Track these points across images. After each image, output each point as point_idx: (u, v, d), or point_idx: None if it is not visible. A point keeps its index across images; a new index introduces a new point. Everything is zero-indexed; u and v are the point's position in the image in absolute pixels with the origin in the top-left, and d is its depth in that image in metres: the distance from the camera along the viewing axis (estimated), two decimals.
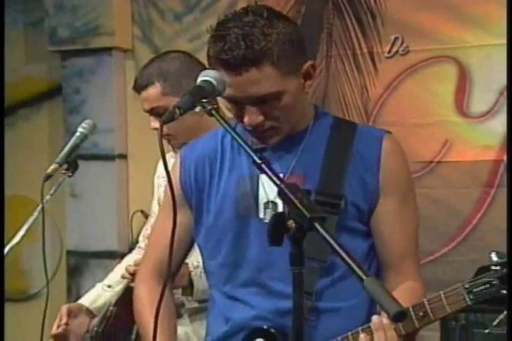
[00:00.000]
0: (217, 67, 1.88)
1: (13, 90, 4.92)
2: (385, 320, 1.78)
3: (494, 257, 1.76)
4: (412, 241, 2.06)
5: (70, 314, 2.76)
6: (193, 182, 2.08)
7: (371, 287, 1.46)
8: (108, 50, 4.62)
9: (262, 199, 1.99)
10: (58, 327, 2.73)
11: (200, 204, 2.07)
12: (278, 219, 1.58)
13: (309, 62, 1.97)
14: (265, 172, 1.66)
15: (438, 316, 1.80)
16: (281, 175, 1.88)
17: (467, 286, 1.76)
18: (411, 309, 1.79)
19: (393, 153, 2.02)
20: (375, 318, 1.81)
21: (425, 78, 4.12)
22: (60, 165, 2.43)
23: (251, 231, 1.99)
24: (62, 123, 4.68)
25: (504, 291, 1.71)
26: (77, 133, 2.51)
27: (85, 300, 2.86)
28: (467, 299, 1.76)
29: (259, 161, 1.66)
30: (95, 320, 2.80)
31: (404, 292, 1.93)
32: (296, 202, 1.55)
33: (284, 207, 1.78)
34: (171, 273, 2.16)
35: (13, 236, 2.37)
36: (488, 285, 1.74)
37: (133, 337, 2.77)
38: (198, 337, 2.54)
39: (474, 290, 1.76)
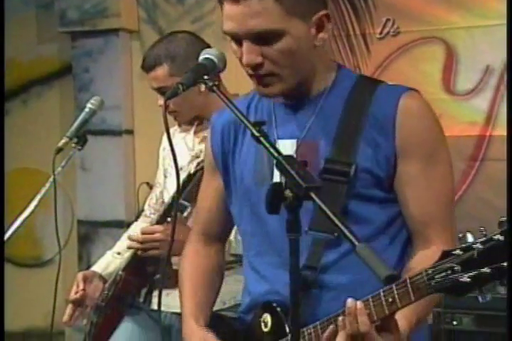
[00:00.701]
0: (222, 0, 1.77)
1: (26, 69, 4.95)
2: (359, 304, 1.61)
3: (470, 238, 1.52)
4: (440, 205, 1.83)
5: (86, 280, 2.78)
6: (220, 149, 2.01)
7: (362, 252, 1.45)
8: (115, 31, 4.60)
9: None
10: (76, 292, 2.74)
11: (226, 170, 2.00)
12: (276, 188, 1.56)
13: (322, 12, 1.78)
14: (263, 145, 1.63)
15: (404, 303, 1.57)
16: (294, 142, 1.84)
17: (429, 272, 1.52)
18: (382, 294, 1.60)
19: (412, 111, 1.79)
20: (348, 302, 1.62)
21: (414, 58, 4.11)
22: (71, 139, 2.43)
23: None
24: (73, 100, 4.67)
25: (463, 279, 1.46)
26: (86, 109, 2.51)
27: (97, 267, 2.88)
28: (429, 286, 1.53)
29: (257, 134, 1.63)
30: (107, 285, 2.82)
31: (424, 262, 1.68)
32: (292, 172, 1.53)
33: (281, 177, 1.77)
34: (221, 234, 2.14)
35: (27, 206, 2.37)
36: (449, 271, 1.48)
37: (141, 299, 2.78)
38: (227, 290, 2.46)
39: (436, 276, 1.51)
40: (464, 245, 1.49)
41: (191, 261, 2.11)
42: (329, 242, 1.80)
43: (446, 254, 1.52)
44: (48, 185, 2.37)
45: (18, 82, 4.98)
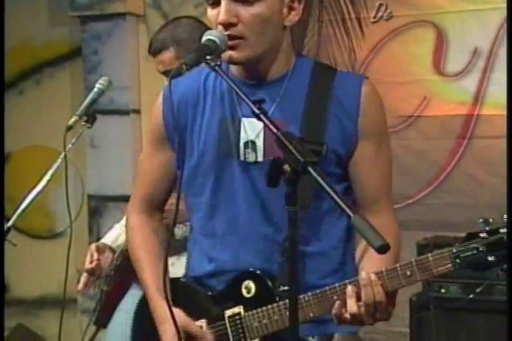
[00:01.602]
0: None
1: (38, 51, 4.92)
2: (373, 276, 1.70)
3: (484, 224, 1.66)
4: (386, 182, 1.96)
5: (99, 251, 2.78)
6: (174, 120, 1.94)
7: (358, 223, 1.46)
8: (122, 15, 4.57)
9: (243, 139, 1.88)
10: (91, 262, 2.75)
11: (182, 144, 1.94)
12: (275, 163, 1.57)
13: None
14: (263, 122, 1.63)
15: (423, 277, 1.70)
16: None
17: (455, 251, 1.67)
18: (398, 268, 1.71)
19: (371, 98, 1.89)
20: (363, 274, 1.71)
21: (406, 41, 4.09)
22: (80, 117, 2.42)
23: (233, 172, 1.89)
24: (82, 81, 4.65)
25: (490, 258, 1.62)
26: (95, 89, 2.49)
27: (107, 240, 2.88)
28: (454, 263, 1.67)
29: (258, 111, 1.63)
30: (115, 256, 2.82)
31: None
32: (291, 148, 1.54)
33: (264, 152, 1.82)
34: (162, 204, 2.11)
35: (39, 182, 2.36)
36: (475, 251, 1.65)
37: None
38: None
39: (461, 255, 1.66)
40: (488, 228, 1.64)
41: (141, 233, 2.08)
42: (306, 214, 1.84)
43: (471, 236, 1.66)
44: (59, 161, 2.36)
45: (31, 63, 4.96)
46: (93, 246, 2.82)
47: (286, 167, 1.54)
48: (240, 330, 1.87)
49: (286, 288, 1.79)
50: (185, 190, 1.97)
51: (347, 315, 1.72)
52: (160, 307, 1.94)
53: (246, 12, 1.79)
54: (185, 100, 1.95)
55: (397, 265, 1.70)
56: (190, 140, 1.94)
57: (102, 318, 2.88)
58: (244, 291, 1.88)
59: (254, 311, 1.85)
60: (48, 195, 4.42)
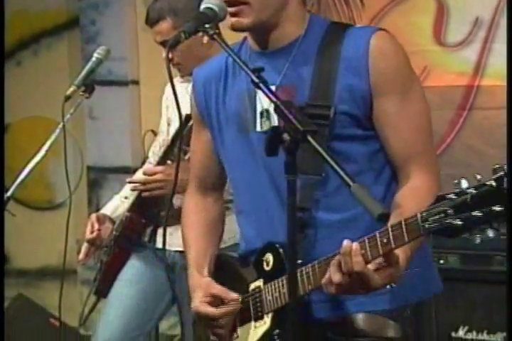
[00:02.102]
0: None
1: (35, 20, 4.89)
2: (355, 245, 1.58)
3: (464, 183, 1.47)
4: (420, 138, 1.81)
5: (99, 221, 2.79)
6: (203, 101, 1.99)
7: (357, 192, 1.44)
8: None
9: (259, 110, 1.86)
10: (92, 232, 2.76)
11: (211, 121, 1.97)
12: (274, 132, 1.56)
13: None
14: (262, 90, 1.62)
15: (398, 244, 1.55)
16: (272, 88, 1.75)
17: (424, 215, 1.50)
18: (377, 235, 1.58)
19: (382, 50, 1.77)
20: (344, 243, 1.60)
21: (406, 10, 4.06)
22: (78, 87, 2.42)
23: (253, 144, 1.88)
24: (80, 52, 4.63)
25: (457, 221, 1.45)
26: (93, 59, 2.49)
27: (107, 210, 2.89)
28: (423, 228, 1.50)
29: (256, 80, 1.61)
30: (115, 226, 2.83)
31: (408, 196, 1.75)
32: (290, 117, 1.52)
33: (278, 120, 1.76)
34: (216, 184, 2.11)
35: (38, 152, 2.36)
36: (442, 215, 1.46)
37: (146, 238, 2.80)
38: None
39: (430, 218, 1.49)
40: (457, 190, 1.46)
41: (192, 213, 2.10)
42: (317, 182, 1.78)
43: (439, 198, 1.49)
44: (57, 131, 2.36)
45: (28, 32, 4.94)
46: (93, 216, 2.83)
47: (286, 136, 1.52)
48: (259, 304, 1.86)
49: (299, 261, 1.70)
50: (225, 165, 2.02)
51: (335, 286, 1.63)
52: (192, 278, 1.99)
53: None
54: (209, 81, 1.97)
55: (377, 232, 1.59)
56: (216, 117, 1.96)
57: (102, 288, 2.90)
58: (264, 264, 1.88)
59: (269, 284, 1.84)
60: (47, 167, 4.42)
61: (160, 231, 2.72)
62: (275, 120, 1.83)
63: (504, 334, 3.43)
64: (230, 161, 1.98)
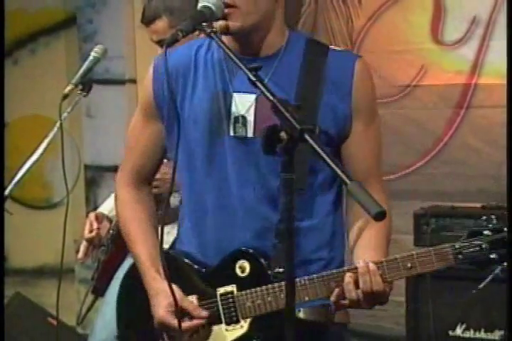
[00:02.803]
0: None
1: (33, 19, 4.89)
2: (372, 266, 1.71)
3: (493, 220, 1.69)
4: (377, 159, 1.96)
5: (98, 220, 2.78)
6: (163, 93, 1.92)
7: (354, 190, 1.45)
8: None
9: (234, 114, 1.86)
10: (90, 231, 2.75)
11: (172, 114, 1.89)
12: (272, 131, 1.55)
13: None
14: (260, 89, 1.61)
15: (424, 270, 1.71)
16: (253, 96, 1.81)
17: (457, 247, 1.68)
18: (399, 259, 1.72)
19: (364, 78, 1.88)
20: (361, 263, 1.73)
21: (404, 9, 4.06)
22: (76, 85, 2.41)
23: (224, 147, 1.87)
24: (78, 50, 4.63)
25: (492, 255, 1.64)
26: (91, 57, 2.48)
27: (104, 209, 2.89)
28: (456, 259, 1.68)
29: (254, 79, 1.61)
30: (112, 225, 2.82)
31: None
32: (287, 115, 1.52)
33: (255, 125, 1.81)
34: (150, 177, 2.09)
35: (35, 151, 2.36)
36: (477, 248, 1.66)
37: None
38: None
39: (464, 251, 1.67)
40: (492, 227, 1.66)
41: (130, 205, 2.06)
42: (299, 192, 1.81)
43: (474, 233, 1.67)
44: (55, 129, 2.35)
45: (26, 31, 4.93)
46: (92, 215, 2.82)
47: (283, 134, 1.52)
48: (232, 309, 1.86)
49: (281, 269, 1.79)
50: (174, 163, 1.92)
51: (345, 302, 1.73)
52: (154, 279, 1.94)
53: None
54: (176, 72, 1.92)
55: (397, 256, 1.71)
56: (181, 112, 1.91)
57: (100, 287, 2.90)
58: (238, 270, 1.87)
59: (248, 291, 1.84)
60: (44, 165, 4.41)
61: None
62: (251, 127, 1.85)
63: (502, 332, 3.43)
64: (191, 161, 1.93)
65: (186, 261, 1.97)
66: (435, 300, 3.56)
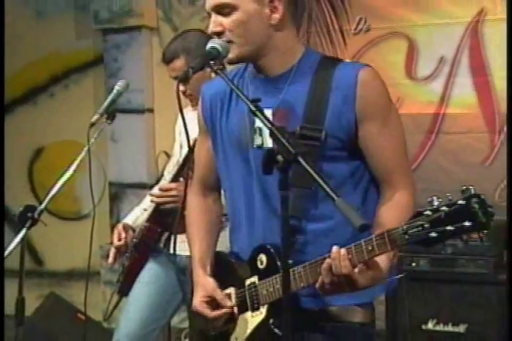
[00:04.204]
0: None
1: (66, 59, 4.89)
2: (343, 251, 1.61)
3: (435, 201, 1.53)
4: (399, 155, 1.83)
5: (125, 230, 2.77)
6: (209, 115, 1.96)
7: (340, 205, 1.44)
8: (138, 28, 4.55)
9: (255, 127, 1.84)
10: (119, 240, 2.73)
11: (214, 133, 1.95)
12: (269, 154, 1.55)
13: None
14: (259, 118, 1.61)
15: (381, 251, 1.58)
16: (269, 111, 1.77)
17: (405, 227, 1.54)
18: (363, 243, 1.60)
19: (368, 82, 1.77)
20: (334, 249, 1.63)
21: (382, 50, 4.08)
22: (102, 115, 2.39)
23: (249, 158, 1.86)
24: (104, 85, 4.63)
25: (432, 234, 1.49)
26: (115, 91, 2.47)
27: (129, 220, 2.86)
28: (403, 238, 1.54)
29: (254, 109, 1.61)
30: (135, 234, 2.81)
31: (390, 207, 1.79)
32: (283, 141, 1.52)
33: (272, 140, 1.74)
34: (216, 186, 2.06)
35: (67, 170, 2.34)
36: (420, 228, 1.52)
37: (161, 245, 2.77)
38: None
39: (409, 231, 1.53)
40: (432, 207, 1.51)
41: (195, 211, 2.06)
42: (307, 195, 1.77)
43: (417, 214, 1.53)
44: (83, 153, 2.34)
45: (60, 69, 4.92)
46: (120, 225, 2.80)
47: (279, 157, 1.51)
48: (255, 297, 1.85)
49: (290, 261, 1.70)
50: (221, 176, 1.99)
51: (327, 286, 1.66)
52: (197, 275, 1.96)
53: (227, 21, 1.77)
54: (215, 98, 1.95)
55: (362, 240, 1.61)
56: (219, 131, 1.93)
57: (124, 288, 2.88)
58: (259, 263, 1.85)
59: (264, 280, 1.83)
60: (74, 183, 4.40)
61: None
62: (266, 137, 1.81)
63: (466, 325, 3.44)
64: (229, 173, 1.93)
65: (230, 258, 1.98)
66: (410, 298, 3.54)
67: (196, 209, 2.07)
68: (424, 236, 1.51)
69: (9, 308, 2.13)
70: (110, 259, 2.74)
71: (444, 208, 1.50)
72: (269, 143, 1.80)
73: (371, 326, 1.89)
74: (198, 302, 1.92)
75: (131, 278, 2.82)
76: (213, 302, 1.90)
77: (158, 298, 2.83)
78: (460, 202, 1.48)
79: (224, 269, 1.96)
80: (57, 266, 5.03)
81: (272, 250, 1.82)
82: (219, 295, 1.90)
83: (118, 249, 2.74)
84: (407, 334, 3.53)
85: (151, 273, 2.82)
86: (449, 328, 3.49)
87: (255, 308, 1.85)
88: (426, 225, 1.51)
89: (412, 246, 1.60)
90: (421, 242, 1.53)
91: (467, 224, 1.46)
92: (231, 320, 1.91)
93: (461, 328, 3.48)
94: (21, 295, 2.12)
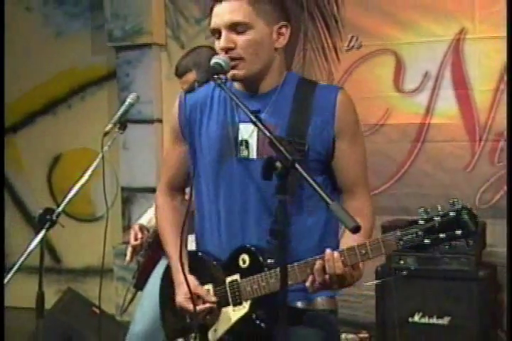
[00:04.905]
0: (211, 5, 1.79)
1: (83, 74, 4.90)
2: (336, 254, 1.65)
3: (423, 213, 1.60)
4: (362, 170, 1.87)
5: (141, 231, 2.75)
6: (187, 121, 1.91)
7: (335, 209, 1.44)
8: (148, 45, 4.55)
9: (239, 139, 1.83)
10: (136, 239, 2.71)
11: (192, 140, 1.90)
12: (269, 161, 1.54)
13: (282, 23, 1.80)
14: (259, 127, 1.61)
15: (374, 255, 1.64)
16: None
17: (399, 234, 1.60)
18: (356, 247, 1.64)
19: (345, 104, 1.80)
20: (327, 251, 1.66)
21: (372, 65, 4.08)
22: (114, 125, 2.38)
23: (232, 166, 1.84)
24: (117, 97, 4.63)
25: (426, 241, 1.57)
26: (126, 103, 2.45)
27: (144, 221, 2.84)
28: (398, 244, 1.61)
29: (254, 119, 1.61)
30: (149, 234, 2.79)
31: (356, 214, 1.70)
32: (281, 148, 1.52)
33: (258, 148, 1.78)
34: (182, 187, 2.04)
35: (82, 176, 2.33)
36: (414, 235, 1.58)
37: None
38: None
39: (404, 238, 1.60)
40: (425, 217, 1.59)
41: (166, 212, 2.02)
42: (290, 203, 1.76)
43: (411, 223, 1.60)
44: (97, 160, 2.32)
45: (77, 83, 4.93)
46: (136, 226, 2.78)
47: (278, 164, 1.51)
48: (237, 293, 1.84)
49: (272, 261, 1.76)
50: (194, 179, 1.94)
51: (317, 285, 1.68)
52: (177, 273, 1.91)
53: (240, 38, 1.76)
54: (195, 107, 1.91)
55: (355, 244, 1.65)
56: (198, 138, 1.90)
57: (139, 283, 2.86)
58: (240, 262, 1.84)
59: (248, 278, 1.82)
60: (89, 187, 4.32)
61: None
62: (253, 149, 1.81)
63: (449, 318, 3.45)
64: (207, 176, 1.90)
65: (206, 257, 1.94)
66: (398, 294, 3.54)
67: (166, 209, 2.03)
68: (418, 243, 1.58)
69: (31, 302, 2.11)
70: (128, 257, 2.73)
71: (436, 218, 1.58)
72: (254, 154, 1.81)
73: (335, 313, 1.92)
74: (182, 298, 1.89)
75: (146, 274, 2.81)
76: (196, 298, 1.87)
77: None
78: (451, 213, 1.56)
79: (204, 269, 1.93)
80: (74, 263, 5.02)
81: (254, 250, 1.81)
82: (202, 291, 1.88)
83: (135, 248, 2.73)
84: (395, 326, 3.53)
85: (163, 270, 2.81)
86: (434, 321, 3.50)
87: (237, 303, 1.84)
88: (420, 233, 1.58)
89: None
90: (414, 247, 1.59)
91: (458, 232, 1.56)
92: (210, 314, 1.89)
93: (445, 320, 3.49)
94: (41, 290, 2.11)
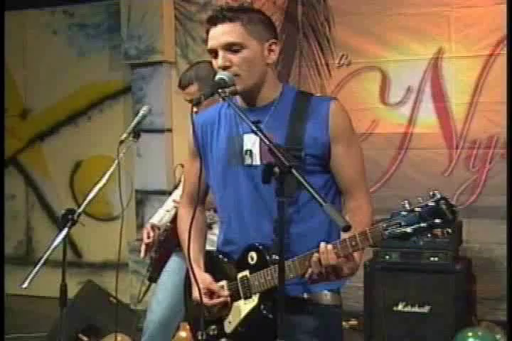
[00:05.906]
0: (207, 28, 1.77)
1: (101, 88, 4.88)
2: (329, 246, 1.61)
3: (406, 204, 1.55)
4: (359, 172, 1.84)
5: (153, 229, 2.73)
6: (200, 138, 1.90)
7: (327, 210, 1.42)
8: (160, 63, 4.54)
9: (244, 149, 1.82)
10: (148, 237, 2.70)
11: (205, 155, 1.89)
12: (268, 166, 1.53)
13: (272, 40, 1.78)
14: (259, 137, 1.59)
15: (364, 245, 1.60)
16: (256, 135, 1.71)
17: (384, 225, 1.56)
18: (347, 239, 1.60)
19: (337, 112, 1.78)
20: (321, 244, 1.63)
21: (361, 80, 4.08)
22: (129, 134, 2.37)
23: (239, 173, 1.83)
24: (132, 109, 4.62)
25: (408, 230, 1.52)
26: (140, 114, 2.44)
27: (155, 220, 2.82)
28: (383, 234, 1.56)
29: (255, 129, 1.60)
30: (161, 232, 2.78)
31: (356, 213, 1.79)
32: (279, 155, 1.51)
33: (260, 157, 1.78)
34: (202, 199, 2.02)
35: (100, 180, 2.32)
36: (398, 225, 1.54)
37: None
38: None
39: (389, 228, 1.55)
40: (407, 208, 1.55)
41: (185, 222, 1.99)
42: (291, 202, 1.75)
43: (395, 214, 1.56)
44: (114, 165, 2.32)
45: (96, 97, 4.92)
46: (149, 225, 2.75)
47: (276, 169, 1.50)
48: (247, 288, 1.82)
49: (276, 257, 1.71)
50: (211, 189, 1.95)
51: (315, 276, 1.65)
52: (195, 271, 1.90)
53: (236, 57, 1.74)
54: (206, 124, 1.91)
55: (346, 237, 1.61)
56: (210, 153, 1.90)
57: (154, 276, 2.84)
58: (249, 259, 1.82)
59: (256, 273, 1.80)
60: (107, 190, 4.32)
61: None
62: (256, 157, 1.80)
63: (430, 306, 3.46)
64: (219, 184, 1.89)
65: (220, 256, 1.94)
66: (384, 285, 3.53)
67: (186, 218, 2.00)
68: (401, 232, 1.53)
69: (55, 292, 2.10)
70: (142, 254, 2.72)
71: (417, 209, 1.53)
72: (258, 162, 1.80)
73: (339, 307, 1.89)
74: (197, 294, 1.86)
75: (159, 267, 2.80)
76: (211, 294, 1.87)
77: (181, 285, 2.79)
78: (431, 203, 1.51)
79: (217, 266, 1.92)
80: (93, 258, 5.01)
81: (261, 248, 1.80)
82: (216, 287, 1.88)
83: (147, 245, 2.72)
84: (381, 314, 3.52)
85: (175, 265, 2.79)
86: (416, 309, 3.50)
87: (248, 297, 1.82)
88: (403, 223, 1.54)
89: (387, 241, 1.60)
90: (398, 237, 1.54)
91: (437, 221, 1.50)
92: (225, 307, 1.88)
93: (426, 309, 3.49)
94: (64, 282, 2.10)
